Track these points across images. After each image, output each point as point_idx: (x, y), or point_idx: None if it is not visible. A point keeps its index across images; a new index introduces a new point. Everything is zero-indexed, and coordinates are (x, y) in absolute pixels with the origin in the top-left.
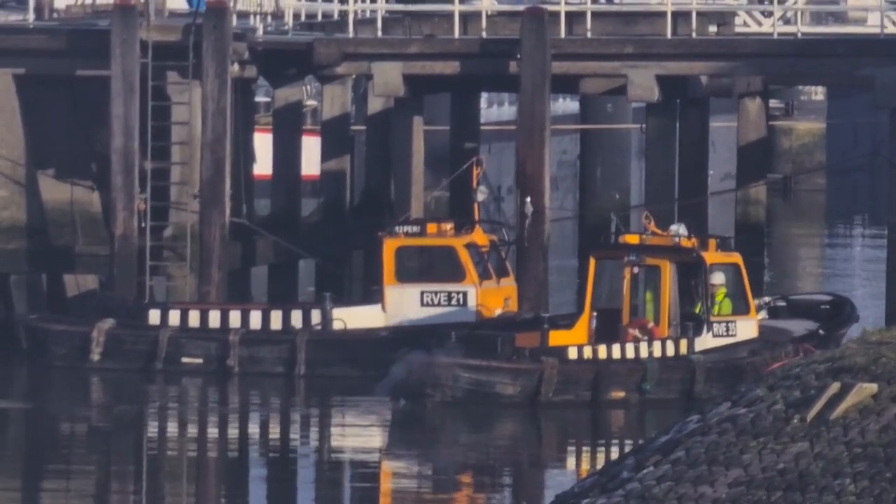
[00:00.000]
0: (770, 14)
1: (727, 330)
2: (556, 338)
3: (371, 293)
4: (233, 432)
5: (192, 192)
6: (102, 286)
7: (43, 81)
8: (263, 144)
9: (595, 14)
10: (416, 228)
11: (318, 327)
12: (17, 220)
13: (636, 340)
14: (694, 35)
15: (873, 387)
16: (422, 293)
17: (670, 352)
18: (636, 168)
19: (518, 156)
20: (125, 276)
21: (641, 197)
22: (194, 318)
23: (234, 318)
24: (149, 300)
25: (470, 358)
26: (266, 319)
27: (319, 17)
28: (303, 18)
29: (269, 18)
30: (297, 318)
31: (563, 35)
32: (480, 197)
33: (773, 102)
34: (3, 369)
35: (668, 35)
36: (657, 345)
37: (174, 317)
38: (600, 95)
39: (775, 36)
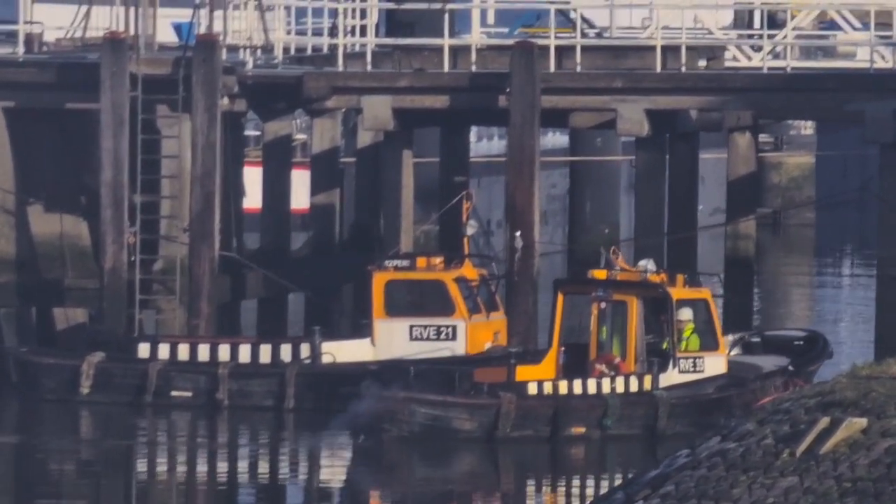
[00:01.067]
0: (760, 48)
1: (694, 366)
2: (523, 373)
3: (360, 327)
4: (222, 466)
5: (182, 226)
6: (92, 319)
7: (32, 115)
8: (253, 178)
9: (585, 48)
10: (405, 262)
11: (308, 361)
12: (6, 252)
13: (602, 376)
14: (683, 69)
15: (863, 421)
16: (411, 327)
17: (634, 387)
18: (626, 202)
19: (507, 190)
20: (114, 309)
21: (631, 231)
22: (184, 352)
23: (224, 351)
24: (138, 333)
25: (426, 393)
26: (255, 353)
27: (309, 51)
28: (292, 52)
29: (258, 52)
30: (286, 351)
31: (552, 69)
32: (470, 231)
33: (762, 137)
34: None
35: (658, 69)
36: (620, 380)
37: (164, 350)
38: (590, 129)
39: (765, 70)
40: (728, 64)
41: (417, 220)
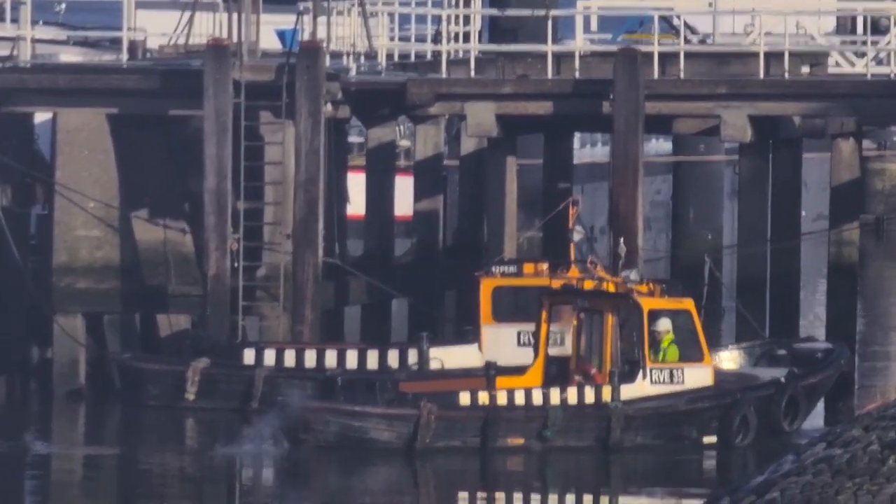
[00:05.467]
0: (863, 54)
1: (671, 377)
2: (504, 384)
3: (464, 333)
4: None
5: (285, 233)
6: (195, 326)
7: (136, 121)
8: (356, 184)
9: (688, 54)
10: (512, 269)
11: (416, 367)
12: (111, 259)
13: (580, 386)
14: (787, 75)
15: None
16: (518, 333)
17: (590, 398)
18: (729, 208)
19: (611, 196)
20: (218, 315)
21: (734, 237)
22: (290, 358)
23: (331, 357)
24: (241, 340)
25: (340, 402)
26: (363, 359)
27: (412, 58)
28: (396, 58)
29: (362, 58)
30: (393, 357)
31: (655, 75)
32: (576, 237)
33: (865, 143)
34: (96, 408)
35: (761, 75)
36: (572, 391)
37: (269, 356)
38: (693, 136)
39: (868, 77)
40: (831, 70)
41: (521, 226)
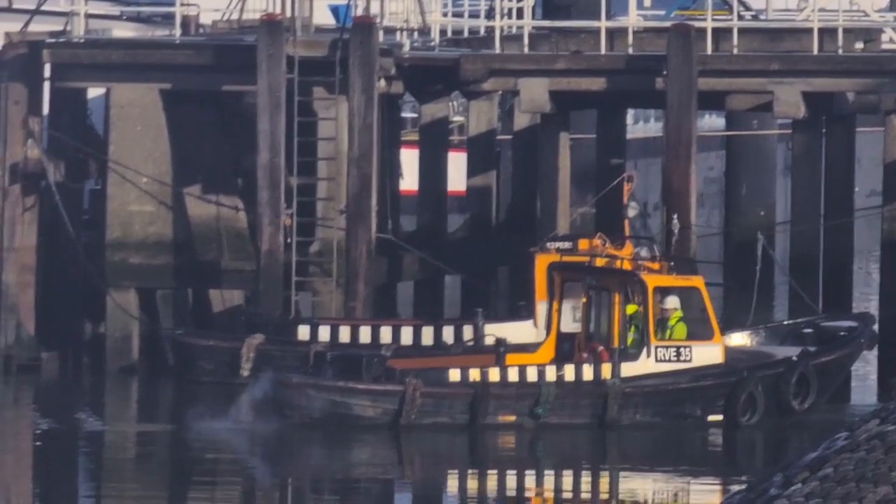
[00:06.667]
0: None
1: (678, 355)
2: (515, 361)
3: (517, 309)
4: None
5: (339, 208)
6: (248, 301)
7: (189, 97)
8: (410, 160)
9: (741, 30)
10: (567, 244)
11: (471, 343)
12: (164, 235)
13: (578, 363)
14: (840, 51)
15: None
16: (573, 309)
17: (588, 376)
18: (782, 184)
19: (665, 172)
20: (271, 291)
21: (787, 214)
22: (344, 334)
23: (385, 333)
24: (294, 315)
25: (323, 378)
26: (417, 335)
27: (466, 33)
28: (449, 34)
29: (415, 34)
30: (448, 333)
31: (709, 51)
32: (631, 213)
33: None
34: (149, 384)
35: (815, 51)
36: (568, 368)
37: (324, 332)
38: (746, 112)
39: None
40: (885, 46)
41: (573, 202)
